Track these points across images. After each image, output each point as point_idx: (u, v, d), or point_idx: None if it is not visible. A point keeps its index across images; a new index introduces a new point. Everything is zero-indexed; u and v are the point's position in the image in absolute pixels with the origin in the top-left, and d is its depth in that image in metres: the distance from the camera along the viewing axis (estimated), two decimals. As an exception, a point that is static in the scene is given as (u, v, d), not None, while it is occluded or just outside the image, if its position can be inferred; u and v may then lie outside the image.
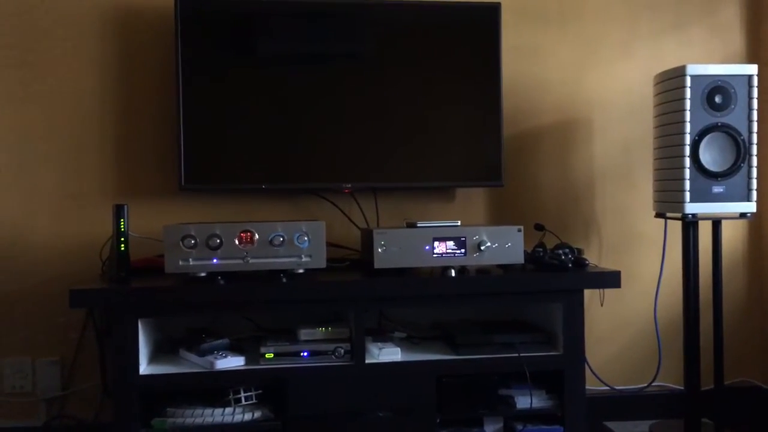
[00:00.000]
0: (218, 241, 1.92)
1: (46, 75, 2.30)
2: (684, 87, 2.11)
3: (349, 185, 2.29)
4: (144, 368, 1.95)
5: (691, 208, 2.13)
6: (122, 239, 1.99)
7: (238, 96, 2.25)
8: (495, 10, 2.34)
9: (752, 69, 2.13)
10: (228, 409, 1.94)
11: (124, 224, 2.00)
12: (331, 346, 1.99)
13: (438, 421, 2.02)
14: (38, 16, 2.30)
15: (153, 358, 2.06)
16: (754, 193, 2.14)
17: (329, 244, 2.07)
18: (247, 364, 1.97)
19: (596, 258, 2.52)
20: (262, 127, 2.26)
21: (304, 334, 2.02)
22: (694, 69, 2.12)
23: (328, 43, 2.29)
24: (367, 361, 1.99)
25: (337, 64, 2.30)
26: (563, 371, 2.05)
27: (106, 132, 2.33)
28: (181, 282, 1.95)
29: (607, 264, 2.53)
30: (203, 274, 1.94)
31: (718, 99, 2.12)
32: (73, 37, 2.31)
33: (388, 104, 2.31)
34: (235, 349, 2.04)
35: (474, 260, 2.03)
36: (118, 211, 1.99)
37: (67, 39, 2.31)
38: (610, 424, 2.46)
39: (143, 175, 2.34)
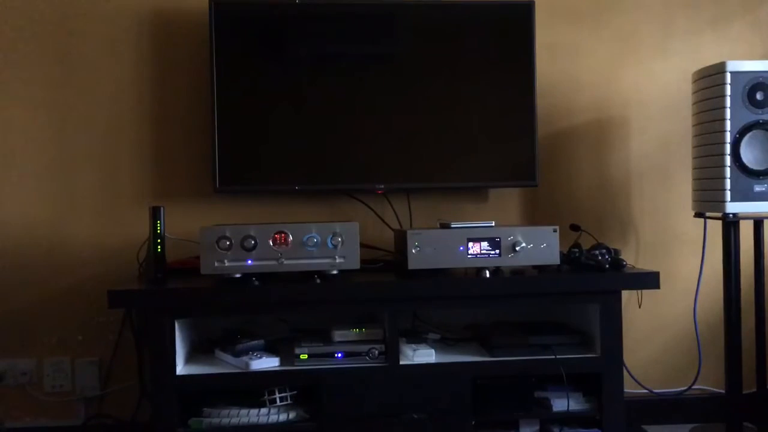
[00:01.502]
0: (253, 242, 1.93)
1: (83, 78, 2.34)
2: (724, 84, 2.07)
3: (382, 186, 2.29)
4: (180, 368, 1.97)
5: (732, 207, 2.08)
6: (159, 241, 2.01)
7: (272, 98, 2.26)
8: (528, 9, 2.31)
9: (795, 64, 2.08)
10: (263, 410, 1.95)
11: (160, 226, 2.02)
12: (365, 348, 1.99)
13: (473, 423, 2.00)
14: (75, 20, 2.34)
15: (189, 359, 2.08)
16: (798, 192, 2.09)
17: (362, 246, 2.07)
18: (281, 364, 1.98)
19: (633, 259, 2.48)
20: (296, 129, 2.27)
21: (339, 335, 2.02)
22: (734, 65, 2.07)
23: (360, 44, 2.29)
24: (401, 363, 1.99)
25: (369, 65, 2.30)
26: (601, 374, 2.02)
27: (143, 134, 2.36)
28: (216, 283, 1.96)
29: (644, 265, 2.48)
30: (238, 275, 1.96)
31: (759, 96, 2.07)
32: (110, 40, 2.35)
33: (420, 104, 2.30)
34: (269, 350, 2.05)
35: (509, 261, 2.01)
36: (155, 213, 2.02)
37: (104, 43, 2.35)
38: (649, 428, 2.42)
39: (179, 177, 2.37)
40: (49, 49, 2.33)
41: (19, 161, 2.32)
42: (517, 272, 2.08)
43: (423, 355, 2.01)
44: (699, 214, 2.25)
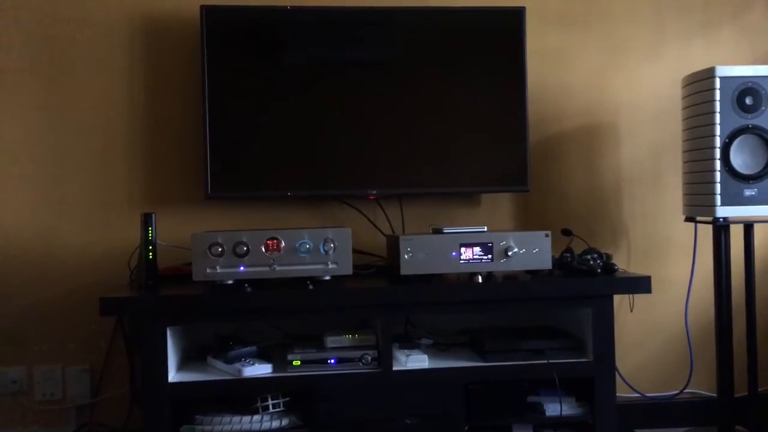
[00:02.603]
0: (245, 248, 1.92)
1: (74, 85, 2.34)
2: (713, 89, 2.08)
3: (375, 192, 2.29)
4: (172, 376, 1.96)
5: (722, 211, 2.09)
6: (150, 248, 2.01)
7: (264, 104, 2.26)
8: (519, 15, 2.32)
9: (783, 70, 2.10)
10: (256, 417, 1.94)
11: (152, 233, 2.01)
12: (358, 353, 1.99)
13: (466, 428, 2.00)
14: (68, 28, 2.33)
15: (181, 366, 2.07)
16: (787, 196, 2.10)
17: (355, 251, 2.07)
18: (274, 371, 1.97)
19: (625, 263, 2.49)
20: (288, 135, 2.26)
21: (331, 341, 2.02)
22: (723, 70, 2.09)
23: (352, 50, 2.30)
24: (394, 368, 1.99)
25: (361, 70, 2.30)
26: (593, 378, 2.03)
27: (134, 141, 2.35)
28: (208, 290, 1.96)
29: (636, 269, 2.49)
30: (230, 282, 1.95)
31: (748, 101, 2.09)
32: (102, 47, 2.34)
33: (412, 110, 2.31)
34: (262, 357, 2.04)
35: (501, 266, 2.02)
36: (146, 220, 2.01)
37: (96, 50, 2.34)
38: (641, 432, 2.43)
39: (170, 184, 2.36)
40: (41, 56, 2.32)
41: (10, 168, 2.31)
42: (510, 277, 2.08)
43: (416, 360, 2.01)
44: (689, 219, 2.26)
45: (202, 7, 2.22)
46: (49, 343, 2.32)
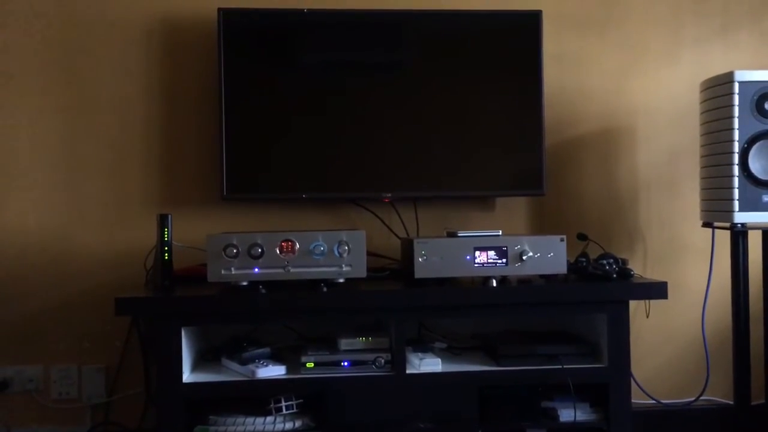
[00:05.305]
0: (260, 250, 1.93)
1: (91, 86, 2.36)
2: (732, 93, 2.07)
3: (389, 194, 2.29)
4: (187, 376, 1.97)
5: (740, 217, 2.07)
6: (166, 248, 2.02)
7: (280, 106, 2.27)
8: (536, 18, 2.32)
9: (803, 74, 2.07)
10: (269, 418, 1.94)
11: (167, 233, 2.03)
12: (371, 356, 1.99)
13: (479, 433, 2.00)
14: (85, 29, 2.35)
15: (196, 366, 2.08)
16: (807, 202, 2.08)
17: (369, 254, 2.07)
18: (288, 373, 1.98)
19: (641, 268, 2.47)
20: (304, 137, 2.27)
21: (345, 343, 2.02)
22: (742, 75, 2.07)
23: (368, 53, 2.30)
24: (407, 372, 1.98)
25: (377, 73, 2.30)
26: (608, 384, 2.01)
27: (150, 142, 2.37)
28: (223, 291, 1.97)
29: (652, 274, 2.47)
30: (245, 283, 1.96)
31: (767, 106, 2.07)
32: (119, 49, 2.36)
33: (428, 113, 2.31)
34: (276, 358, 2.04)
35: (516, 270, 2.01)
36: (162, 221, 2.03)
37: (113, 51, 2.36)
38: (656, 439, 2.41)
39: (186, 185, 2.37)
40: (58, 59, 2.35)
41: (27, 169, 2.34)
42: (524, 281, 2.07)
43: (429, 364, 2.01)
44: (707, 224, 2.24)
45: (220, 9, 2.23)
46: (66, 343, 2.34)
